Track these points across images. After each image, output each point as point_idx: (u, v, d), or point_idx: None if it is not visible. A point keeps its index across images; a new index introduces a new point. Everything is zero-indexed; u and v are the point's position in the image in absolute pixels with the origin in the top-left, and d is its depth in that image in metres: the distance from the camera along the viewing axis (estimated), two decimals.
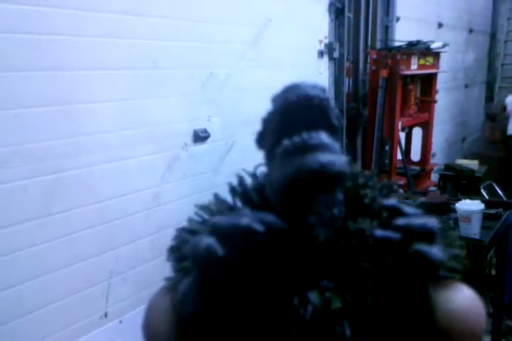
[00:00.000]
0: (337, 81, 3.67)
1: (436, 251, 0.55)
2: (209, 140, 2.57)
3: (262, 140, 0.64)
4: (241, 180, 0.69)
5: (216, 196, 0.72)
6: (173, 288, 0.62)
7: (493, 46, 7.65)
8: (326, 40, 3.49)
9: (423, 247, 0.54)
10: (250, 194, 0.67)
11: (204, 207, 0.71)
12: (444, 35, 5.26)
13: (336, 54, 3.56)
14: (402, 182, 3.88)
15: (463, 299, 0.62)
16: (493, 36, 7.64)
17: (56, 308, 1.96)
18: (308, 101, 0.56)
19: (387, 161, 4.00)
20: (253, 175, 0.70)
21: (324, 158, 0.54)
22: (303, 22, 3.22)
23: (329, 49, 3.51)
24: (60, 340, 1.98)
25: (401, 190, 2.96)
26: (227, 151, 2.67)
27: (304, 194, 0.56)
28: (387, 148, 3.99)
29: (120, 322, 2.22)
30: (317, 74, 3.46)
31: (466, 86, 6.73)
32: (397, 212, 0.57)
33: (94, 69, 2.02)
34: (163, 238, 2.33)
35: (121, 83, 2.13)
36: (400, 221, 0.56)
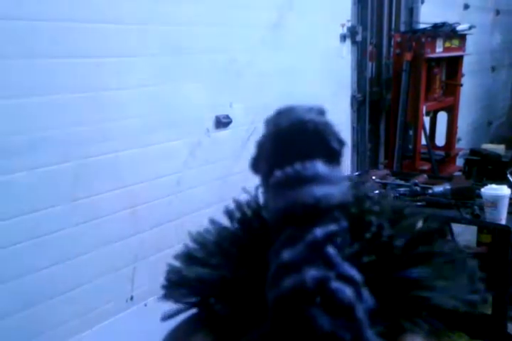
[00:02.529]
0: (360, 65, 3.63)
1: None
2: (231, 126, 2.57)
3: (257, 165, 0.59)
4: (239, 205, 0.63)
5: (212, 221, 0.66)
6: None
7: None
8: (349, 24, 3.44)
9: None
10: (251, 220, 0.62)
11: (200, 235, 0.65)
12: (470, 17, 5.13)
13: (358, 37, 3.51)
14: (426, 167, 3.84)
15: None
16: None
17: (83, 291, 2.00)
18: (301, 126, 0.51)
19: (411, 146, 3.96)
20: (254, 198, 0.64)
21: (320, 191, 0.49)
22: (325, 5, 3.17)
23: (352, 32, 3.46)
24: (87, 322, 2.04)
25: (425, 175, 2.93)
26: (249, 137, 2.67)
27: (300, 227, 0.51)
28: (411, 132, 3.94)
29: (145, 305, 2.26)
30: (339, 59, 3.42)
31: (493, 69, 6.57)
32: None
33: (119, 55, 2.03)
34: (187, 223, 2.36)
35: (145, 69, 2.15)
36: None
